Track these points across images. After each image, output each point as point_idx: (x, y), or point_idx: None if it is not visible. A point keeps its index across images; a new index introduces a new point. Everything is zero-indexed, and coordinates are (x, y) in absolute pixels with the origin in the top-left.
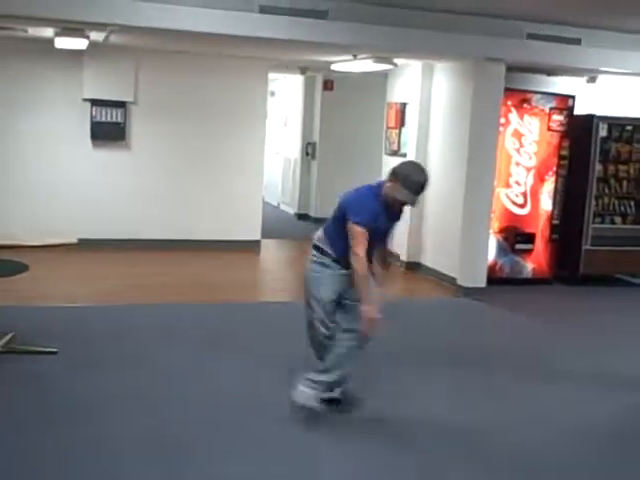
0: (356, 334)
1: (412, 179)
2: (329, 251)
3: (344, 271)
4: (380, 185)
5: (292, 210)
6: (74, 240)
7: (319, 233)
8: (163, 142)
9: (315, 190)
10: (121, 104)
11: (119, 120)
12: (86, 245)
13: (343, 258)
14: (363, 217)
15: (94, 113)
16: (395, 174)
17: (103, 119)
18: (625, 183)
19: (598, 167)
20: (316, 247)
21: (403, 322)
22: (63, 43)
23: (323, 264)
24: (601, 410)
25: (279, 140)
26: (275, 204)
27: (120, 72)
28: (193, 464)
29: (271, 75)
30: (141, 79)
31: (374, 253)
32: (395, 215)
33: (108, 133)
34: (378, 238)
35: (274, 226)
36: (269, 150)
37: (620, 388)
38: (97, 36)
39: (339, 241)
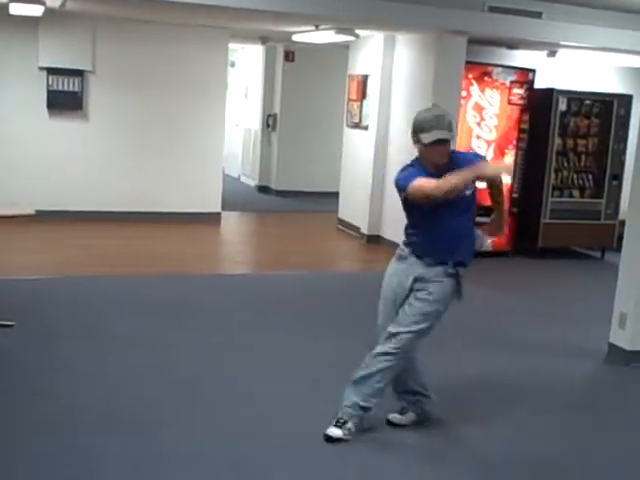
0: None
1: (424, 118)
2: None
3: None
4: (417, 159)
5: (253, 182)
6: (31, 211)
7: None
8: (121, 112)
9: (276, 162)
10: (78, 73)
11: (76, 89)
12: (43, 217)
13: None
14: (413, 177)
15: (50, 82)
16: (412, 133)
17: (60, 88)
18: (584, 157)
19: (557, 141)
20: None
21: (365, 295)
22: (18, 9)
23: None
24: (561, 378)
25: (239, 111)
26: (235, 176)
27: (77, 40)
28: (156, 438)
29: (231, 45)
30: (99, 47)
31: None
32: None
33: (65, 102)
34: (451, 211)
35: (235, 198)
36: (229, 122)
37: (579, 357)
38: (53, 2)
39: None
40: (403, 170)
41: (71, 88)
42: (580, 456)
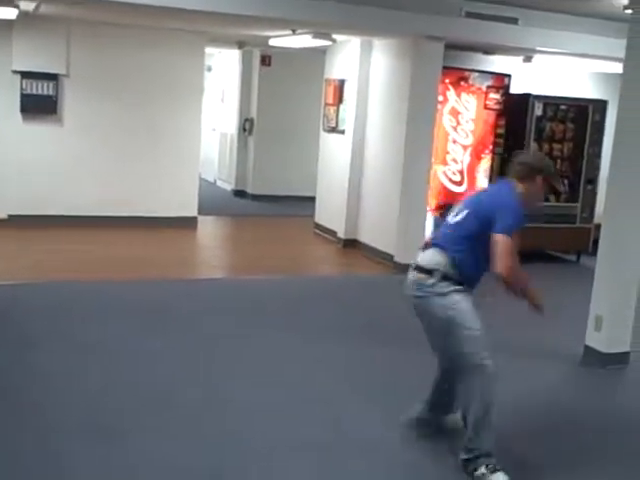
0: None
1: (550, 163)
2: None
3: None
4: (511, 187)
5: (229, 187)
6: (4, 216)
7: (428, 253)
8: (96, 116)
9: (252, 167)
10: (53, 76)
11: (50, 93)
12: (16, 221)
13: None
14: (515, 222)
15: (24, 85)
16: (534, 170)
17: (34, 92)
18: (559, 161)
19: (533, 145)
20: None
21: (341, 299)
22: None
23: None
24: (537, 381)
25: (216, 116)
26: (212, 180)
27: (52, 43)
28: (129, 444)
29: (208, 50)
30: (73, 51)
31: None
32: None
33: (39, 106)
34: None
35: (211, 203)
36: (206, 126)
37: (555, 359)
38: (27, 5)
39: (471, 258)
40: (517, 205)
41: (45, 92)
42: (555, 455)
